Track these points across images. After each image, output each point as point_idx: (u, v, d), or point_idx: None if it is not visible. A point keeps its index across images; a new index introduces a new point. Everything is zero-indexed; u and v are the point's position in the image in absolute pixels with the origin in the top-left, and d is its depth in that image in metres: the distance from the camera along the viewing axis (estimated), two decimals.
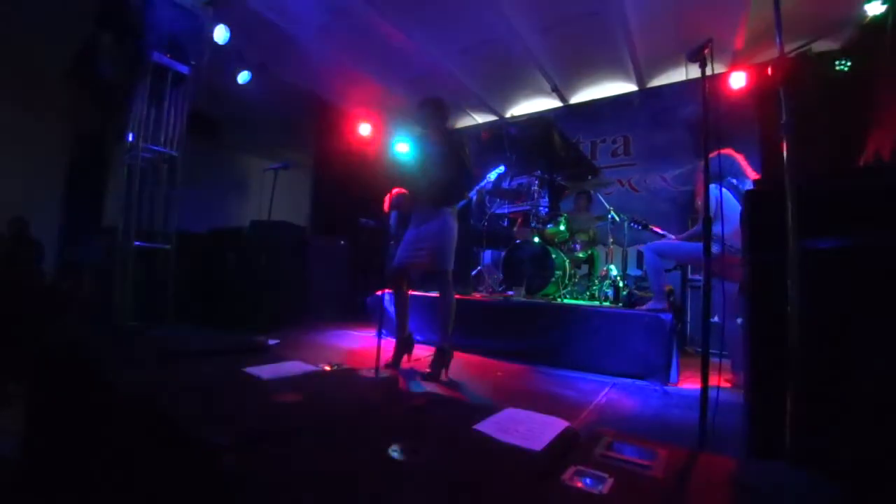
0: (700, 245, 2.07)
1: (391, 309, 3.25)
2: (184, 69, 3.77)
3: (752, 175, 2.88)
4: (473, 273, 4.87)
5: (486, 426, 1.08)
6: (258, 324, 3.92)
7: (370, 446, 0.95)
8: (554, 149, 5.25)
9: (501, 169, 4.59)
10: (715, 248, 2.35)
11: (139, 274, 3.50)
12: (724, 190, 2.77)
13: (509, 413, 1.19)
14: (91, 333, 2.24)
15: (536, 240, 4.22)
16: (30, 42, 4.00)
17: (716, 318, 3.29)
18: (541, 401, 2.34)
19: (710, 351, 1.55)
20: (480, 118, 6.94)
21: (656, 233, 3.37)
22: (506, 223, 4.95)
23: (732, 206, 2.79)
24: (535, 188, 4.56)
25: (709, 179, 1.70)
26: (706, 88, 1.67)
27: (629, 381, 2.85)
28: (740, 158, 2.90)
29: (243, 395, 1.29)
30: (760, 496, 0.79)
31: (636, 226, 3.54)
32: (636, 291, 3.90)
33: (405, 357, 2.93)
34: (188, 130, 3.88)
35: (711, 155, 2.46)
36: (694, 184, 5.15)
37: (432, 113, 2.86)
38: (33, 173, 4.19)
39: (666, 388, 2.72)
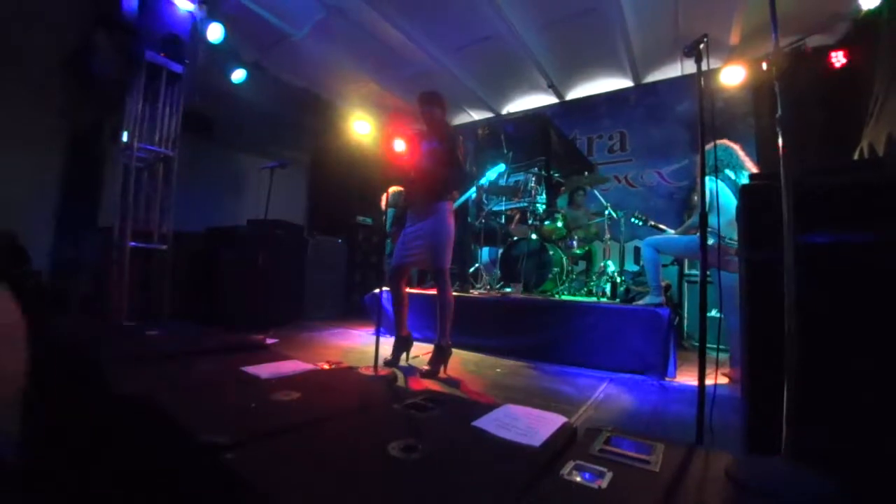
0: (696, 238, 2.08)
1: (389, 307, 3.25)
2: (178, 68, 3.74)
3: (751, 166, 2.88)
4: (471, 270, 4.87)
5: (485, 423, 1.09)
6: (256, 323, 3.92)
7: (369, 444, 0.95)
8: (551, 145, 5.25)
9: (502, 167, 4.59)
10: (711, 241, 2.36)
11: (135, 273, 3.49)
12: (719, 182, 2.78)
13: (507, 409, 1.19)
14: (88, 333, 2.23)
15: (534, 236, 4.22)
16: (24, 40, 3.96)
17: (714, 312, 3.31)
18: (539, 397, 2.35)
19: (708, 346, 1.55)
20: (477, 115, 6.94)
21: (657, 228, 3.37)
22: (503, 220, 4.96)
23: (728, 197, 2.80)
24: (532, 185, 4.56)
25: (704, 172, 1.70)
26: (702, 84, 1.67)
27: (627, 376, 2.86)
28: (738, 149, 2.91)
29: (242, 393, 1.29)
30: (757, 491, 0.79)
31: (637, 221, 3.53)
32: (633, 287, 3.91)
33: (403, 355, 2.94)
34: (183, 129, 3.86)
35: (709, 146, 2.49)
36: (692, 178, 5.18)
37: (429, 109, 2.85)
38: (28, 172, 4.15)
39: (664, 383, 2.73)
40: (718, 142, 2.85)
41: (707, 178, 2.77)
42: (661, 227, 3.36)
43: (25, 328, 0.56)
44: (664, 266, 3.78)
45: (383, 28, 4.63)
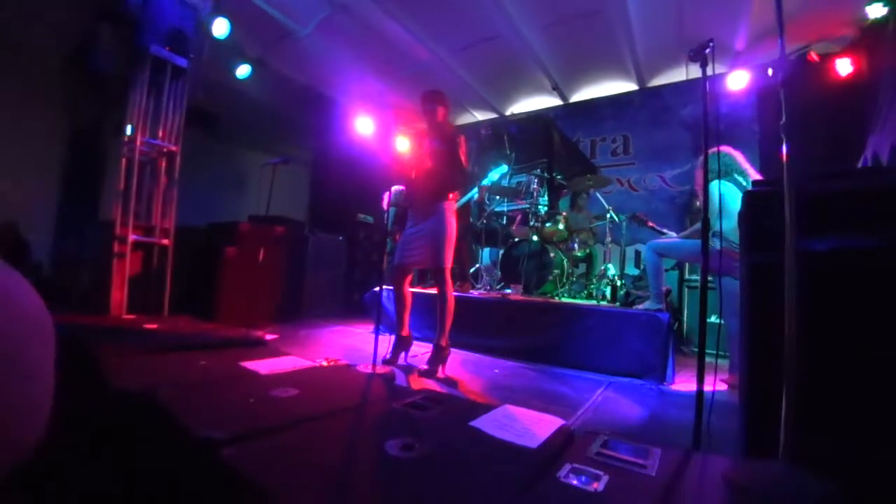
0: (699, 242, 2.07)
1: (389, 305, 3.25)
2: (183, 62, 3.74)
3: (753, 173, 2.87)
4: (472, 270, 4.87)
5: (483, 423, 1.09)
6: (255, 319, 3.92)
7: (366, 442, 0.95)
8: (553, 147, 5.25)
9: (504, 168, 4.59)
10: (715, 244, 2.35)
11: (136, 268, 3.50)
12: (730, 185, 2.77)
13: (505, 410, 1.19)
14: (88, 327, 2.23)
15: (535, 238, 4.22)
16: (27, 33, 3.97)
17: (714, 318, 3.31)
18: (537, 398, 2.35)
19: (707, 351, 1.55)
20: (481, 115, 6.94)
21: (654, 229, 3.36)
22: (504, 221, 4.96)
23: (736, 202, 2.79)
24: (535, 186, 4.56)
25: (707, 176, 1.70)
26: (707, 88, 1.67)
27: (625, 380, 2.86)
28: (739, 156, 2.90)
29: (240, 389, 1.29)
30: (754, 495, 0.79)
31: (635, 222, 3.52)
32: (633, 291, 3.91)
33: (402, 354, 2.94)
34: (186, 124, 3.86)
35: (710, 151, 2.48)
36: (694, 181, 5.18)
37: (432, 108, 2.84)
38: (31, 166, 4.16)
39: (662, 387, 2.73)
40: (720, 148, 2.84)
41: (714, 182, 2.77)
42: (663, 230, 3.35)
43: (52, 323, 0.55)
44: (665, 270, 3.76)
45: (388, 26, 4.63)
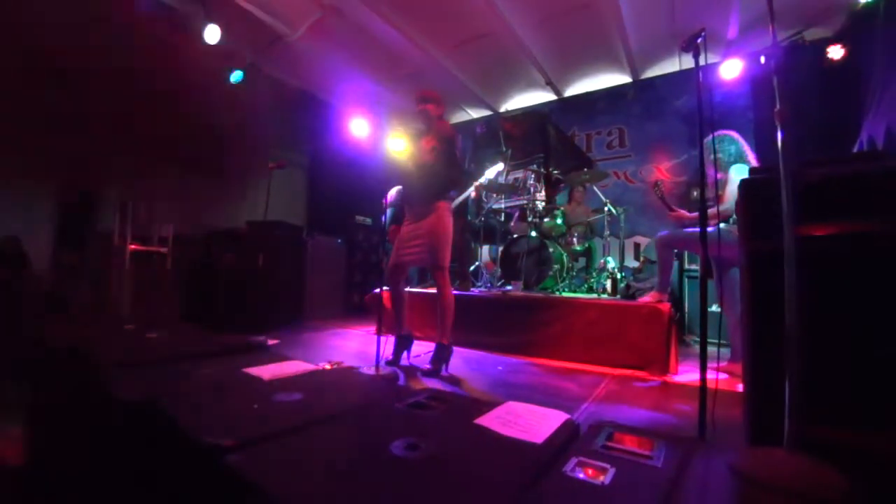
0: (711, 229, 2.06)
1: (389, 306, 3.25)
2: None
3: (753, 162, 2.85)
4: (472, 268, 4.87)
5: (487, 420, 1.09)
6: (257, 324, 3.92)
7: (372, 443, 0.95)
8: (549, 142, 5.25)
9: (500, 167, 4.59)
10: (733, 232, 2.35)
11: (135, 276, 3.49)
12: (746, 167, 2.73)
13: (509, 406, 1.19)
14: (89, 337, 2.23)
15: (533, 234, 4.22)
16: (26, 35, 3.95)
17: (714, 308, 3.30)
18: (541, 394, 2.35)
19: (709, 340, 1.55)
20: (475, 113, 6.93)
21: (669, 207, 3.24)
22: (502, 218, 4.96)
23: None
24: (531, 182, 4.55)
25: (705, 163, 1.69)
26: (700, 78, 1.66)
27: (628, 372, 2.86)
28: (745, 144, 2.87)
29: (244, 395, 1.29)
30: (760, 484, 0.79)
31: (657, 192, 3.37)
32: (634, 283, 3.91)
33: (404, 354, 2.94)
34: None
35: (717, 134, 2.43)
36: (690, 173, 5.17)
37: (426, 107, 2.84)
38: (28, 175, 4.15)
39: (665, 378, 2.73)
40: (728, 133, 2.83)
41: (733, 168, 2.75)
42: (675, 208, 3.24)
43: None
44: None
45: (379, 26, 4.62)
